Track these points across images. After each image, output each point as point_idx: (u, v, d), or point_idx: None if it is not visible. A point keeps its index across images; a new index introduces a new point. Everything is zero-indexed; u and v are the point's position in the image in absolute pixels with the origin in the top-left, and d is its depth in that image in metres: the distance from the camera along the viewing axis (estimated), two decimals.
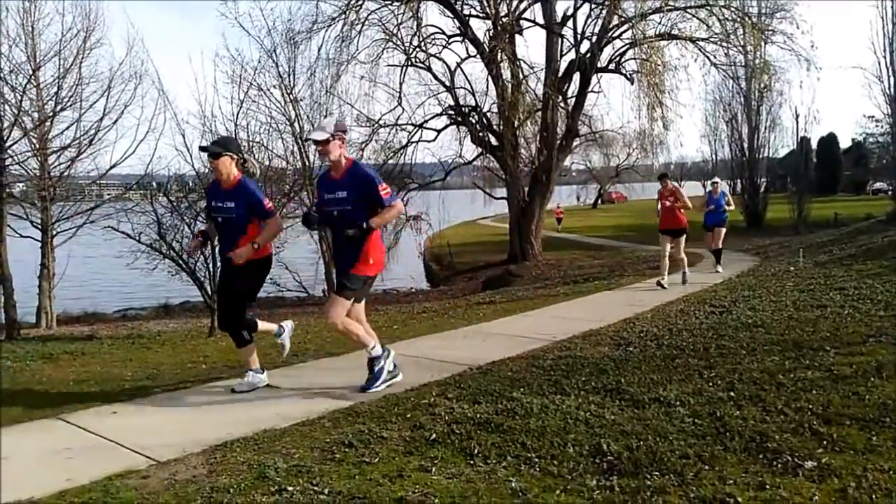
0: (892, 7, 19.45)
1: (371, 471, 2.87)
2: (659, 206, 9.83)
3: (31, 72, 12.22)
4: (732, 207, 11.39)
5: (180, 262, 9.25)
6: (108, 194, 15.19)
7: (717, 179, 12.04)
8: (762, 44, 18.41)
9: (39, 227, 12.43)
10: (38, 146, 12.21)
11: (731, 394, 3.73)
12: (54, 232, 12.47)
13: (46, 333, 11.05)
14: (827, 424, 3.17)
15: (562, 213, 37.17)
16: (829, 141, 51.43)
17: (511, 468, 2.86)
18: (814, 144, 42.43)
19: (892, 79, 26.29)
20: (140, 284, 17.67)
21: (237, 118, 12.98)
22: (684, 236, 9.73)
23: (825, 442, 2.96)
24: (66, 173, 12.83)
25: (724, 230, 11.34)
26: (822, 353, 4.59)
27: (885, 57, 26.18)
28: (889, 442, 2.92)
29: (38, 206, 12.50)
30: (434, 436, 3.26)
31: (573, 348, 5.29)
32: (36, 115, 12.30)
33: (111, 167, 13.21)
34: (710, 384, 3.97)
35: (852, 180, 53.20)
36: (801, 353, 4.60)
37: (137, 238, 9.44)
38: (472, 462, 2.94)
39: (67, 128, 12.64)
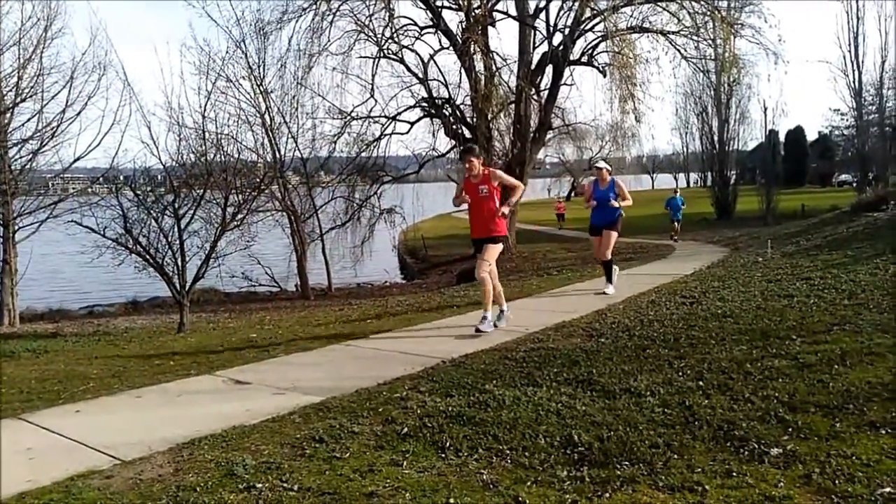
0: (857, 2, 19.86)
1: (341, 466, 2.84)
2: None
3: None
4: (628, 202, 8.29)
5: (147, 256, 9.07)
6: (73, 188, 14.82)
7: (601, 163, 8.46)
8: (731, 37, 18.63)
9: (0, 222, 12.07)
10: None
11: (700, 383, 3.77)
12: (16, 227, 12.13)
13: (8, 331, 10.76)
14: (792, 412, 3.22)
15: (564, 208, 33.43)
16: (797, 134, 52.52)
17: (483, 460, 2.85)
18: (782, 137, 43.37)
19: (856, 73, 26.99)
20: (107, 281, 17.34)
21: (205, 110, 12.78)
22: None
23: (790, 429, 3.01)
24: (27, 167, 12.49)
25: (615, 234, 8.31)
26: (789, 341, 4.67)
27: (850, 51, 26.85)
28: (852, 428, 2.98)
29: None
30: (405, 430, 3.24)
31: (546, 340, 5.31)
32: None
33: (75, 160, 12.92)
34: (680, 374, 4.01)
35: (819, 172, 54.42)
36: (768, 342, 4.68)
37: (102, 233, 9.22)
38: (443, 455, 2.93)
39: (28, 119, 12.32)
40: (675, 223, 19.77)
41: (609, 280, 8.27)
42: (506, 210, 6.07)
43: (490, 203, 6.05)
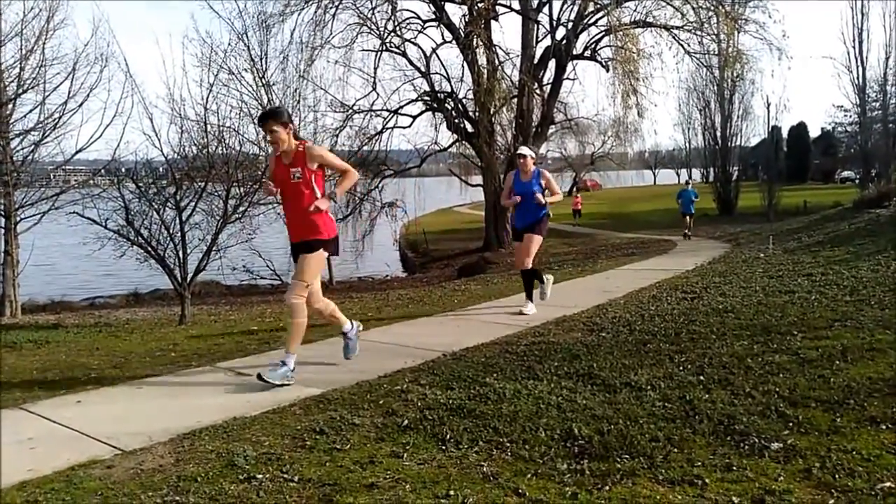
0: None
1: (342, 457, 2.85)
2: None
3: None
4: (557, 198, 6.83)
5: (149, 248, 9.07)
6: (75, 180, 14.82)
7: (523, 149, 6.76)
8: (735, 33, 18.58)
9: (2, 213, 12.07)
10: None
11: (701, 378, 3.78)
12: (18, 218, 12.13)
13: (10, 322, 10.78)
14: (793, 407, 3.22)
15: (581, 203, 30.80)
16: (800, 130, 52.40)
17: (483, 453, 2.85)
18: (784, 133, 43.28)
19: (861, 69, 26.89)
20: (109, 272, 17.36)
21: (207, 102, 12.74)
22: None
23: (791, 424, 3.01)
24: (29, 158, 12.47)
25: (538, 239, 6.69)
26: (790, 337, 4.67)
27: (854, 47, 26.76)
28: (853, 423, 2.98)
29: (0, 191, 12.14)
30: (406, 422, 3.24)
31: (546, 334, 5.31)
32: None
33: (77, 152, 12.89)
34: (681, 368, 4.01)
35: (821, 169, 54.30)
36: (770, 338, 4.68)
37: (104, 224, 9.22)
38: (444, 447, 2.93)
39: (30, 111, 12.28)
40: (687, 217, 18.08)
41: (529, 296, 6.69)
42: (324, 205, 4.23)
43: (307, 193, 4.24)
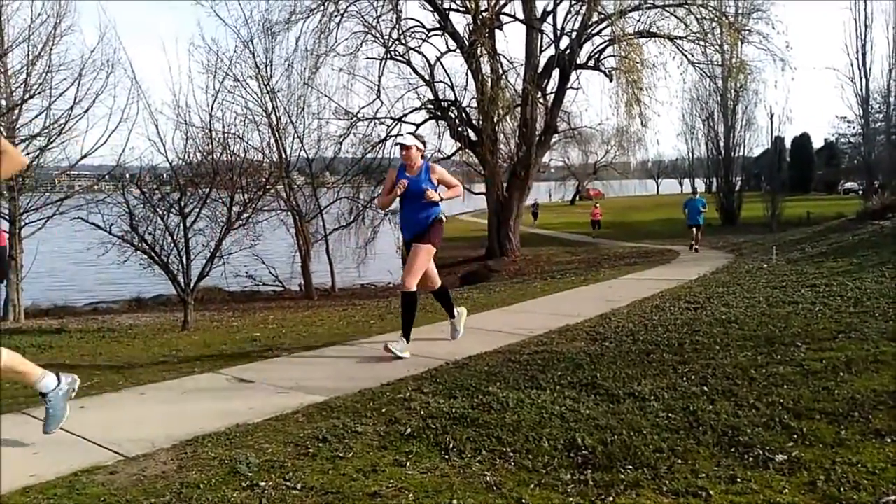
0: (865, 10, 19.84)
1: (345, 465, 2.84)
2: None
3: None
4: (457, 192, 5.69)
5: (152, 254, 9.10)
6: (79, 185, 14.88)
7: (406, 138, 5.34)
8: (739, 43, 18.67)
9: (7, 217, 12.13)
10: (5, 134, 11.89)
11: (705, 388, 3.76)
12: (23, 223, 12.17)
13: (14, 327, 10.80)
14: (797, 419, 3.21)
15: (601, 214, 29.19)
16: (803, 141, 52.41)
17: (486, 462, 2.85)
18: (787, 144, 43.21)
19: (864, 80, 26.94)
20: (112, 278, 17.38)
21: (212, 109, 12.83)
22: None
23: (795, 436, 2.99)
24: (35, 163, 12.53)
25: (426, 250, 5.22)
26: (794, 348, 4.65)
27: (857, 59, 26.83)
28: (857, 436, 2.97)
29: (5, 196, 12.20)
30: (409, 430, 3.24)
31: (549, 343, 5.30)
32: (3, 102, 12.00)
33: (82, 157, 12.97)
34: (684, 379, 4.00)
35: (824, 180, 54.27)
36: (773, 349, 4.66)
37: (108, 230, 9.26)
38: (446, 457, 2.92)
39: (36, 116, 12.39)
40: (695, 229, 16.69)
41: (406, 331, 5.17)
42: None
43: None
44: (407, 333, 5.17)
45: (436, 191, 5.31)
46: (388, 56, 18.85)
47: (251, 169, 13.60)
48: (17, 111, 12.17)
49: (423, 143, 5.53)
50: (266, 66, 17.03)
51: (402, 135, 5.57)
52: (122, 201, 9.53)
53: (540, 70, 19.43)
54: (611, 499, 2.45)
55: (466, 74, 19.27)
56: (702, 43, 18.68)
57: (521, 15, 19.76)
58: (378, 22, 18.28)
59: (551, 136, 21.69)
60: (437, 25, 19.04)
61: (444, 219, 5.52)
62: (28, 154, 12.40)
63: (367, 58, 19.14)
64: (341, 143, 19.63)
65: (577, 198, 62.54)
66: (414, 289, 5.16)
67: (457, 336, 5.67)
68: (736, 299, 7.16)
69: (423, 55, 19.67)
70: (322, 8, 18.12)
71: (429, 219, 5.33)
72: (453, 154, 21.61)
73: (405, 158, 5.34)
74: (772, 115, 30.57)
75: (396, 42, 18.69)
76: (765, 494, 2.44)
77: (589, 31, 18.88)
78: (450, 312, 5.69)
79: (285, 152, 17.39)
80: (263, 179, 13.69)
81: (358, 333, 6.47)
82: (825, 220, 21.16)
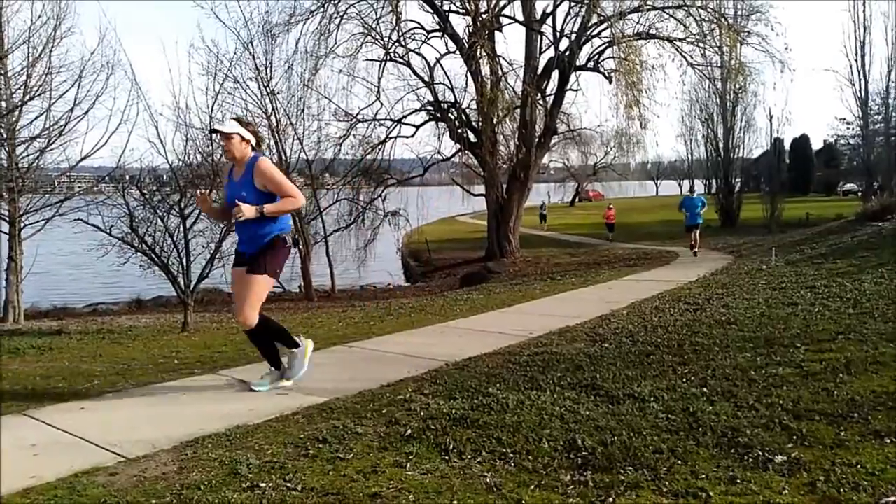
0: (864, 11, 19.88)
1: (345, 467, 2.84)
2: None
3: None
4: (293, 203, 4.06)
5: (153, 255, 9.11)
6: (79, 186, 14.88)
7: (225, 124, 4.12)
8: (738, 45, 18.68)
9: (7, 219, 12.12)
10: (5, 136, 11.91)
11: (704, 389, 3.77)
12: (22, 225, 12.17)
13: (13, 328, 10.79)
14: (797, 420, 3.22)
15: (614, 216, 26.66)
16: (802, 142, 52.39)
17: (486, 463, 2.85)
18: (787, 145, 43.24)
19: (863, 82, 26.93)
20: (112, 279, 17.38)
21: (212, 110, 12.84)
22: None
23: (795, 437, 3.00)
24: (34, 164, 12.53)
25: (259, 281, 4.00)
26: (793, 349, 4.66)
27: (856, 60, 26.80)
28: (857, 437, 2.97)
29: (5, 197, 12.19)
30: (409, 431, 3.24)
31: (549, 344, 5.31)
32: (3, 104, 11.99)
33: (82, 158, 12.95)
34: (684, 380, 4.00)
35: (823, 181, 54.26)
36: (773, 350, 4.67)
37: (108, 231, 9.26)
38: (447, 458, 2.93)
39: (37, 118, 12.36)
40: (693, 231, 15.49)
41: (272, 361, 4.22)
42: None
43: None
44: (273, 360, 4.20)
45: (258, 202, 3.88)
46: (388, 58, 18.87)
47: None
48: (17, 113, 12.16)
49: (254, 130, 4.13)
50: (266, 68, 17.07)
51: (228, 118, 4.28)
52: (122, 203, 9.53)
53: (539, 72, 19.44)
54: (611, 500, 2.46)
55: (466, 76, 19.30)
56: (701, 45, 18.72)
57: (520, 17, 19.80)
58: (378, 24, 18.31)
59: (551, 137, 21.70)
60: (437, 27, 19.06)
61: (289, 241, 4.13)
62: (28, 156, 12.41)
63: (367, 59, 19.19)
64: (341, 144, 19.66)
65: (577, 199, 62.50)
66: (255, 322, 3.99)
67: (291, 376, 4.17)
68: (735, 301, 7.17)
69: (423, 57, 19.72)
70: (322, 10, 18.16)
71: (266, 237, 3.99)
72: (453, 155, 21.65)
73: (225, 152, 4.09)
74: (771, 117, 30.60)
75: (396, 44, 18.72)
76: (764, 495, 2.45)
77: (588, 32, 18.90)
78: (272, 361, 4.24)
79: (285, 154, 17.40)
80: None
81: (358, 335, 6.47)
82: (824, 221, 21.17)
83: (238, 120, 4.16)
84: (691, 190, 18.00)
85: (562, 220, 38.08)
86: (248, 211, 3.83)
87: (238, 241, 4.28)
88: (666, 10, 18.22)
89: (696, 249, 15.34)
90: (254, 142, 4.11)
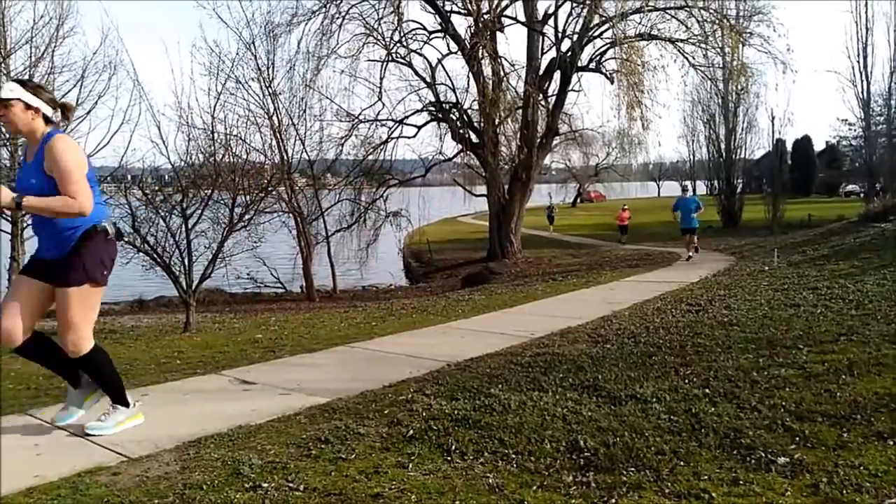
0: (866, 12, 19.86)
1: (347, 467, 2.84)
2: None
3: (0, 59, 11.94)
4: (76, 206, 2.98)
5: (155, 255, 9.11)
6: None
7: (3, 89, 3.05)
8: (740, 46, 18.66)
9: (8, 219, 12.14)
10: (6, 136, 11.91)
11: (707, 391, 3.77)
12: (24, 225, 12.19)
13: None
14: (799, 421, 3.21)
15: (629, 217, 25.00)
16: (804, 143, 52.33)
17: (488, 464, 2.85)
18: (789, 146, 43.21)
19: (865, 83, 26.90)
20: (114, 279, 17.39)
21: (214, 110, 12.86)
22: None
23: (798, 438, 3.00)
24: None
25: (72, 294, 3.07)
26: (796, 351, 4.66)
27: (859, 61, 26.78)
28: (860, 438, 2.97)
29: None
30: (411, 432, 3.24)
31: (551, 345, 5.31)
32: None
33: None
34: (686, 381, 4.00)
35: (826, 182, 54.20)
36: (775, 351, 4.67)
37: None
38: (449, 458, 2.93)
39: None
40: (690, 234, 14.69)
41: (115, 397, 3.40)
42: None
43: None
44: (119, 398, 3.39)
45: (51, 191, 3.00)
46: (390, 58, 18.87)
47: (253, 171, 13.61)
48: None
49: (50, 97, 3.17)
50: (268, 68, 17.06)
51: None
52: (124, 202, 9.54)
53: (541, 72, 19.43)
54: (613, 501, 2.46)
55: (468, 77, 19.28)
56: (703, 45, 18.68)
57: (522, 17, 19.79)
58: (379, 24, 18.31)
59: (552, 138, 21.68)
60: (439, 28, 19.07)
61: (111, 231, 3.26)
62: None
63: (369, 60, 19.19)
64: (343, 144, 19.66)
65: (579, 200, 62.46)
66: (88, 348, 3.21)
67: (96, 428, 3.30)
68: (737, 302, 7.17)
69: (425, 57, 19.71)
70: (324, 10, 18.17)
71: (75, 231, 3.11)
72: (455, 156, 21.63)
73: (4, 124, 3.30)
74: (773, 118, 30.58)
75: (398, 44, 18.72)
76: (767, 497, 2.45)
77: (590, 33, 18.88)
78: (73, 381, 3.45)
79: (287, 154, 17.40)
80: (265, 181, 13.71)
81: (359, 335, 6.48)
82: (826, 222, 21.15)
83: (21, 83, 3.12)
84: (684, 190, 16.72)
85: (564, 221, 38.05)
86: (4, 197, 2.92)
87: (38, 246, 3.27)
88: (668, 11, 18.21)
89: (691, 254, 14.50)
90: (49, 112, 3.13)
